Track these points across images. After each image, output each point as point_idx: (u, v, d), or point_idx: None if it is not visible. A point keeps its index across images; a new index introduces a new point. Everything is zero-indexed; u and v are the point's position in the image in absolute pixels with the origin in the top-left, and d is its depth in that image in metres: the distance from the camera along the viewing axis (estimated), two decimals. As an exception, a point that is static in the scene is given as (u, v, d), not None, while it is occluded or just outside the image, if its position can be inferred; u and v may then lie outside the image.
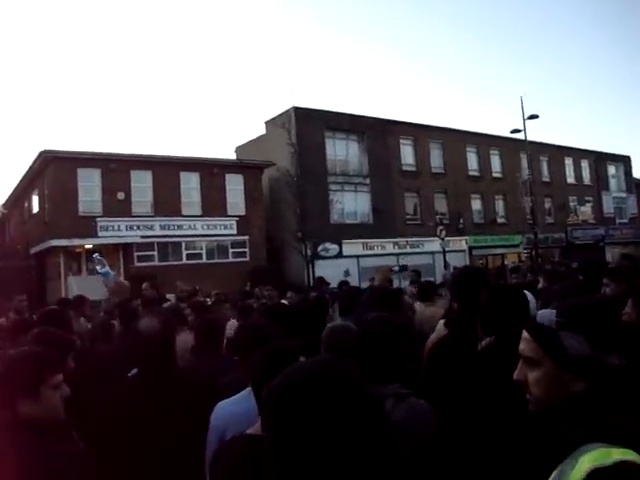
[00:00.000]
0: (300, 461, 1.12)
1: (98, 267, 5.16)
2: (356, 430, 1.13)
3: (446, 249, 31.27)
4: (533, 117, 31.25)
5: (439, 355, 3.33)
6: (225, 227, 28.96)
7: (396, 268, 22.85)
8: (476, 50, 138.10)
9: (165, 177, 27.29)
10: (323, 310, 5.23)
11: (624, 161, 51.23)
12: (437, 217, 36.11)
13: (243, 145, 36.49)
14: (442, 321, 4.18)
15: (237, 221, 29.25)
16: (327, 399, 1.14)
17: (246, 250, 28.94)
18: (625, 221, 48.94)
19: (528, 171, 34.11)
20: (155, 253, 26.90)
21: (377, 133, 34.19)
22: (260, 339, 2.80)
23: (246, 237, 29.11)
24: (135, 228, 26.52)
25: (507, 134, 35.69)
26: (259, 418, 2.14)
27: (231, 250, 28.88)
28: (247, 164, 30.55)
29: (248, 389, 2.62)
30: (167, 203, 27.27)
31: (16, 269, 29.27)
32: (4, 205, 36.10)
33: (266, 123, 34.28)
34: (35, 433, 2.18)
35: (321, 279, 11.94)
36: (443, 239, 29.50)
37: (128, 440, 2.69)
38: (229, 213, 29.18)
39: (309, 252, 29.12)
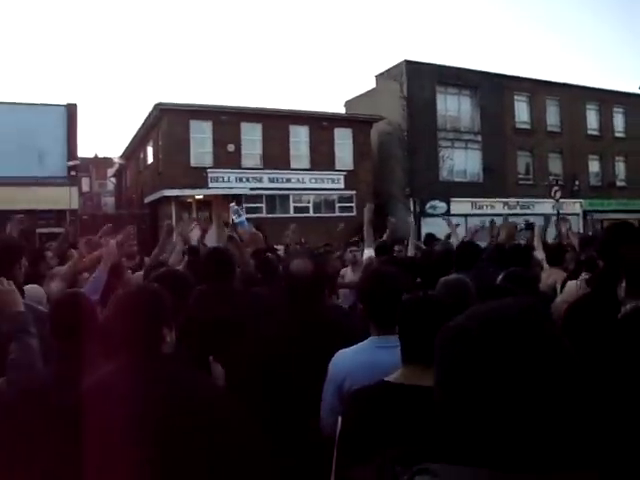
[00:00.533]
0: (484, 413, 0.95)
1: (234, 216, 5.11)
2: (550, 383, 0.94)
3: (560, 212, 29.73)
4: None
5: (577, 316, 3.06)
6: (333, 181, 28.91)
7: (522, 225, 21.94)
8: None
9: (274, 130, 27.45)
10: (448, 264, 4.90)
11: None
12: (551, 178, 34.39)
13: (352, 99, 35.99)
14: (574, 282, 4.11)
15: (345, 175, 29.10)
16: (524, 347, 0.96)
17: (353, 205, 28.73)
18: None
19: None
20: (263, 205, 27.25)
21: (491, 88, 32.71)
22: (390, 288, 2.66)
23: (353, 192, 28.90)
24: (244, 180, 26.92)
25: (635, 90, 33.29)
26: (395, 368, 2.15)
27: (338, 204, 28.83)
28: (356, 118, 30.23)
29: (370, 339, 2.64)
30: (276, 156, 27.50)
31: (132, 217, 30.60)
32: (122, 156, 37.56)
33: (376, 77, 33.62)
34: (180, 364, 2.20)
35: (431, 236, 11.51)
36: (557, 200, 27.98)
37: (270, 378, 2.78)
38: (337, 167, 29.09)
39: (416, 210, 28.55)
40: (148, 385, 2.00)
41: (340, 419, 2.11)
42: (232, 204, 5.56)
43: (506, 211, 31.65)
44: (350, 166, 29.32)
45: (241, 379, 2.86)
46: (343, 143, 29.33)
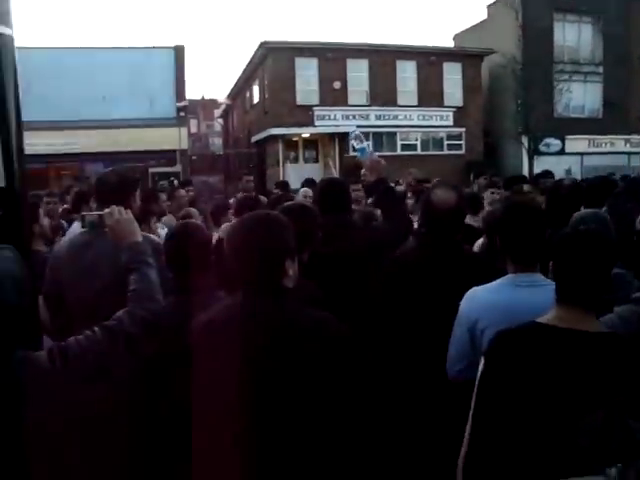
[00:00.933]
0: None
1: (355, 142, 4.91)
2: None
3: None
4: None
5: None
6: (441, 118, 28.11)
7: None
8: None
9: (381, 66, 26.89)
10: (579, 199, 4.52)
11: None
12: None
13: (462, 32, 34.51)
14: None
15: (454, 112, 28.23)
16: None
17: (462, 143, 27.96)
18: None
19: None
20: (370, 143, 26.80)
21: (617, 13, 29.95)
22: (533, 220, 2.50)
23: (462, 129, 28.07)
24: (351, 118, 26.58)
25: None
26: (538, 310, 1.95)
27: (446, 142, 28.14)
28: (466, 52, 29.01)
29: (507, 277, 2.46)
30: (383, 93, 26.99)
31: (240, 156, 31.21)
32: (228, 97, 38.03)
33: (488, 6, 31.85)
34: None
35: (548, 173, 10.73)
36: None
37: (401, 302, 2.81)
38: (445, 104, 28.20)
39: (529, 148, 27.28)
40: (259, 320, 1.93)
41: (483, 360, 1.93)
42: (354, 130, 5.36)
43: (628, 149, 29.78)
44: (459, 102, 28.36)
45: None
46: (452, 78, 28.28)
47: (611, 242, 1.95)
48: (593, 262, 1.84)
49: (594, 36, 30.41)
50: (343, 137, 26.30)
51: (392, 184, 7.64)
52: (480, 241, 4.17)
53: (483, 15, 32.64)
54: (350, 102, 26.78)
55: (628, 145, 29.98)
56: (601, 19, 30.09)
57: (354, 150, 5.50)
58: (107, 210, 2.41)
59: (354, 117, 26.54)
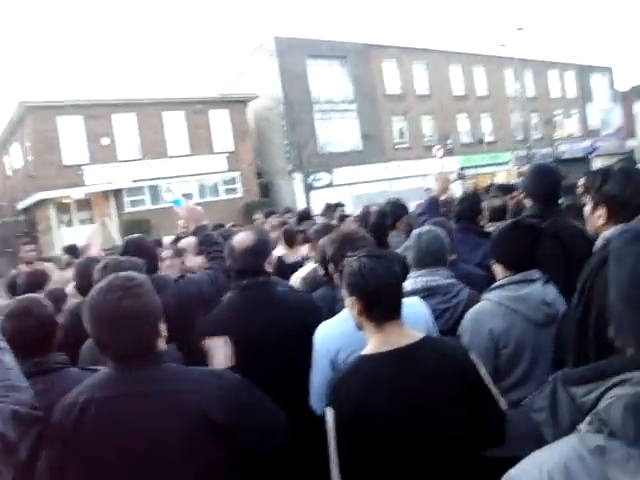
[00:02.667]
0: None
1: (166, 196, 4.72)
2: None
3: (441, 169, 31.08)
4: (520, 29, 30.77)
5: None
6: (214, 164, 28.59)
7: (454, 175, 22.66)
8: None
9: (149, 118, 26.81)
10: (385, 226, 4.93)
11: (607, 72, 50.73)
12: (425, 139, 35.91)
13: (225, 80, 35.59)
14: None
15: (227, 157, 28.91)
16: None
17: (237, 186, 28.65)
18: (611, 132, 48.81)
19: (519, 86, 33.61)
20: (146, 197, 26.54)
21: (359, 57, 33.46)
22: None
23: (236, 173, 28.82)
24: (124, 172, 26.09)
25: (490, 52, 35.06)
26: (368, 339, 2.13)
27: (222, 187, 28.61)
28: (231, 99, 29.95)
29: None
30: (153, 145, 26.86)
31: (5, 226, 28.63)
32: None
33: (248, 55, 33.38)
34: None
35: (337, 205, 10.94)
36: (441, 158, 29.04)
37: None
38: (217, 150, 28.79)
39: (301, 183, 28.92)
40: (145, 397, 1.87)
41: (330, 412, 2.01)
42: (165, 185, 5.13)
43: (388, 176, 32.76)
44: (231, 147, 29.13)
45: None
46: (221, 125, 29.03)
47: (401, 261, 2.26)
48: (395, 280, 2.11)
49: (344, 78, 33.29)
50: (117, 194, 25.77)
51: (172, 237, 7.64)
52: (303, 273, 4.19)
53: (245, 63, 33.99)
54: (121, 157, 26.25)
55: (387, 172, 33.06)
56: (347, 62, 33.12)
57: (173, 203, 5.10)
58: None
59: (127, 172, 26.09)
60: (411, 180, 32.45)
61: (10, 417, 1.75)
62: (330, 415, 2.00)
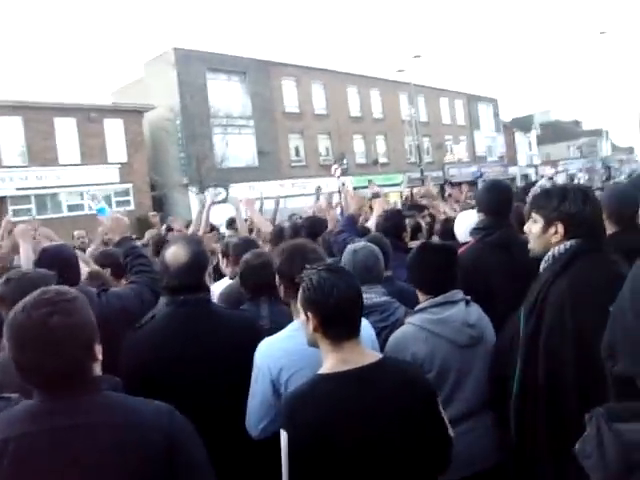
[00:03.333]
0: None
1: (92, 203, 4.58)
2: None
3: (331, 190, 31.84)
4: (417, 57, 32.28)
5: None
6: (106, 175, 27.76)
7: (368, 195, 22.95)
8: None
9: (38, 124, 25.59)
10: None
11: (493, 102, 54.20)
12: (321, 158, 36.63)
13: (120, 89, 34.72)
14: None
15: (119, 168, 28.15)
16: None
17: (130, 198, 27.99)
18: (495, 159, 52.08)
19: (413, 111, 35.01)
20: (32, 206, 25.34)
21: (259, 74, 33.79)
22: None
23: (129, 185, 28.13)
24: (7, 180, 24.83)
25: (387, 76, 36.29)
26: (323, 357, 2.06)
27: (114, 199, 27.75)
28: (126, 108, 29.21)
29: (292, 324, 2.50)
30: (42, 152, 25.72)
31: None
32: None
33: (145, 65, 32.78)
34: None
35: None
36: (339, 177, 29.58)
37: (163, 380, 2.42)
38: (110, 160, 27.99)
39: (197, 197, 28.68)
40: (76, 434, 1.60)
41: (284, 434, 1.92)
42: (89, 190, 4.85)
43: (283, 193, 33.06)
44: (124, 158, 28.42)
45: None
46: (114, 135, 28.29)
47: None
48: (353, 299, 2.04)
49: (243, 93, 33.45)
50: (1, 202, 24.52)
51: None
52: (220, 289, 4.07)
53: (141, 72, 33.41)
54: (5, 163, 24.96)
55: (282, 189, 33.37)
56: (246, 79, 33.30)
57: (97, 211, 4.73)
58: None
59: (11, 179, 24.83)
60: (306, 198, 32.84)
61: None
62: (284, 438, 1.91)
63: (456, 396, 2.67)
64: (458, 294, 2.80)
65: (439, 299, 2.76)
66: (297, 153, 35.91)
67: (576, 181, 37.91)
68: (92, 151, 27.30)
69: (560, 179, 40.77)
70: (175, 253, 2.67)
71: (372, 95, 41.36)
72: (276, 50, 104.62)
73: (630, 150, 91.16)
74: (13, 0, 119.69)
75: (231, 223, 8.44)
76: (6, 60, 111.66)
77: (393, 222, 4.79)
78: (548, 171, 57.13)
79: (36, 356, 1.57)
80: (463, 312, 2.74)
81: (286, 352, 2.39)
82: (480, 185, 4.33)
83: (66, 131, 26.81)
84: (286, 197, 32.54)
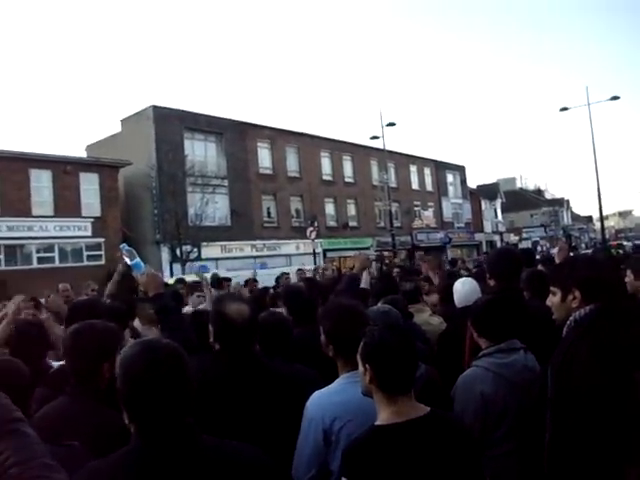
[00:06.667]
0: None
1: (128, 259, 4.56)
2: None
3: (302, 252, 32.35)
4: (391, 124, 33.32)
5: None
6: (79, 229, 27.65)
7: (372, 256, 23.33)
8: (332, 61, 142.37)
9: (12, 174, 25.42)
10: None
11: (460, 170, 55.83)
12: (293, 220, 37.07)
13: (95, 143, 34.83)
14: None
15: (92, 222, 28.06)
16: None
17: (101, 253, 27.81)
18: (462, 225, 53.32)
19: (385, 177, 35.85)
20: (1, 257, 25.09)
21: (235, 135, 34.40)
22: (359, 322, 2.75)
23: (102, 239, 27.94)
24: (-22, 229, 24.58)
25: (359, 141, 37.19)
26: (377, 407, 2.23)
27: (86, 253, 27.59)
28: (102, 163, 29.36)
29: (344, 377, 2.68)
30: (15, 202, 25.53)
31: None
32: None
33: (122, 121, 33.15)
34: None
35: (223, 279, 10.77)
36: (313, 240, 29.95)
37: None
38: (83, 214, 27.91)
39: (168, 255, 28.73)
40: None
41: None
42: (123, 245, 4.87)
43: (255, 253, 33.33)
44: (98, 212, 28.39)
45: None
46: (89, 189, 28.32)
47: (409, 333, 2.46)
48: (409, 356, 2.24)
49: (218, 153, 33.98)
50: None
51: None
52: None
53: (117, 128, 33.80)
54: (-23, 212, 24.84)
55: (254, 250, 33.65)
56: (223, 139, 33.91)
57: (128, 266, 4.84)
58: None
59: (-19, 228, 24.66)
60: (277, 259, 33.13)
61: None
62: None
63: (517, 431, 2.98)
64: (517, 342, 3.17)
65: (503, 345, 3.12)
66: (269, 214, 36.29)
67: (539, 249, 39.30)
68: (66, 204, 27.22)
69: (524, 246, 42.31)
70: (239, 309, 2.75)
71: (344, 159, 42.34)
72: (252, 111, 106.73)
73: (589, 219, 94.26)
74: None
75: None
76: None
77: (385, 284, 5.14)
78: (512, 238, 59.12)
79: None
80: (523, 357, 3.13)
81: (338, 404, 2.54)
82: (490, 252, 4.61)
83: (41, 183, 26.82)
84: (257, 257, 32.89)
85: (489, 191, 60.13)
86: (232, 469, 1.74)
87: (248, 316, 2.74)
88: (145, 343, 1.87)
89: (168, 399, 1.71)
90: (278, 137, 37.27)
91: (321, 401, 2.58)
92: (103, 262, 27.27)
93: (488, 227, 57.70)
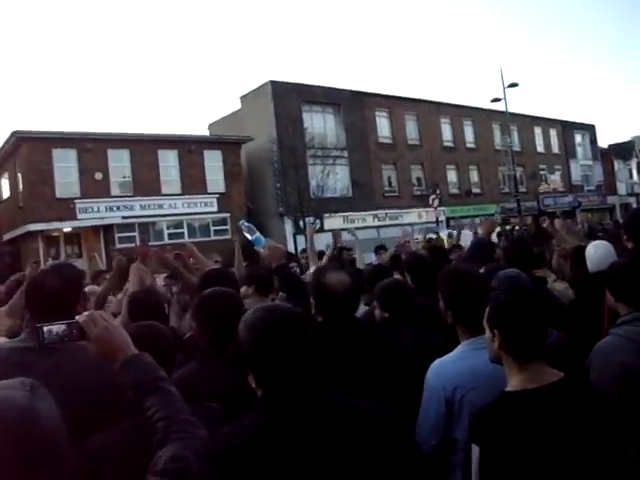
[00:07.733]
0: None
1: (248, 235, 4.76)
2: None
3: (424, 220, 31.63)
4: (513, 85, 31.55)
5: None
6: (206, 204, 28.67)
7: (498, 219, 23.11)
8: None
9: (143, 155, 26.82)
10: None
11: (589, 129, 52.25)
12: (414, 189, 36.33)
13: (217, 121, 35.90)
14: None
15: (217, 198, 28.95)
16: None
17: (228, 227, 28.58)
18: (592, 188, 50.04)
19: (508, 140, 34.19)
20: (136, 234, 26.34)
21: (352, 105, 34.05)
22: (481, 287, 2.76)
23: (227, 214, 28.72)
24: (115, 209, 26.06)
25: (479, 104, 35.73)
26: (507, 374, 2.12)
27: (213, 228, 28.55)
28: (225, 140, 30.15)
29: (466, 344, 2.62)
30: (146, 182, 26.83)
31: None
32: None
33: (241, 98, 33.78)
34: None
35: (343, 249, 10.68)
36: (436, 208, 29.23)
37: None
38: (209, 190, 28.89)
39: (292, 227, 29.00)
40: None
41: (476, 447, 2.03)
42: (242, 221, 5.17)
43: (376, 223, 32.97)
44: (222, 188, 29.22)
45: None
46: (213, 166, 29.18)
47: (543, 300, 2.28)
48: (540, 319, 2.12)
49: (337, 124, 33.78)
50: (108, 229, 25.61)
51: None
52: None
53: (237, 105, 34.46)
54: (113, 193, 26.25)
55: (376, 220, 33.31)
56: (340, 110, 33.63)
57: (249, 241, 5.17)
58: (84, 315, 1.76)
59: (118, 208, 26.03)
60: (399, 229, 32.54)
61: (202, 455, 1.59)
62: (476, 451, 2.01)
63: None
64: None
65: None
66: (390, 183, 35.75)
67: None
68: (192, 181, 28.24)
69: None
70: (340, 279, 2.71)
71: (465, 125, 40.88)
72: (368, 80, 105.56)
73: None
74: (114, 37, 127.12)
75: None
76: (113, 95, 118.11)
77: (518, 250, 4.69)
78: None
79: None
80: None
81: (459, 372, 2.50)
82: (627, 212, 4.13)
83: (168, 162, 27.89)
84: (379, 227, 32.59)
85: (623, 150, 55.90)
86: (360, 423, 1.72)
87: (349, 285, 2.70)
88: (267, 308, 1.89)
89: (291, 360, 1.71)
90: (396, 105, 36.49)
91: (442, 370, 2.57)
92: (230, 236, 27.97)
93: (622, 189, 53.81)
